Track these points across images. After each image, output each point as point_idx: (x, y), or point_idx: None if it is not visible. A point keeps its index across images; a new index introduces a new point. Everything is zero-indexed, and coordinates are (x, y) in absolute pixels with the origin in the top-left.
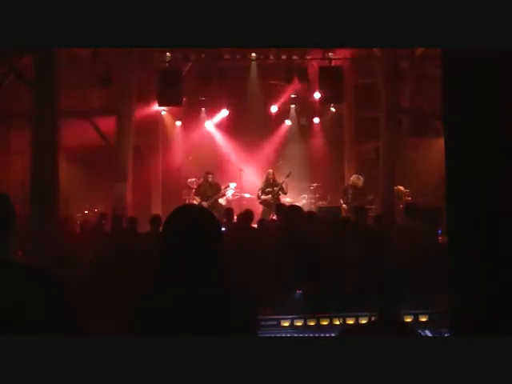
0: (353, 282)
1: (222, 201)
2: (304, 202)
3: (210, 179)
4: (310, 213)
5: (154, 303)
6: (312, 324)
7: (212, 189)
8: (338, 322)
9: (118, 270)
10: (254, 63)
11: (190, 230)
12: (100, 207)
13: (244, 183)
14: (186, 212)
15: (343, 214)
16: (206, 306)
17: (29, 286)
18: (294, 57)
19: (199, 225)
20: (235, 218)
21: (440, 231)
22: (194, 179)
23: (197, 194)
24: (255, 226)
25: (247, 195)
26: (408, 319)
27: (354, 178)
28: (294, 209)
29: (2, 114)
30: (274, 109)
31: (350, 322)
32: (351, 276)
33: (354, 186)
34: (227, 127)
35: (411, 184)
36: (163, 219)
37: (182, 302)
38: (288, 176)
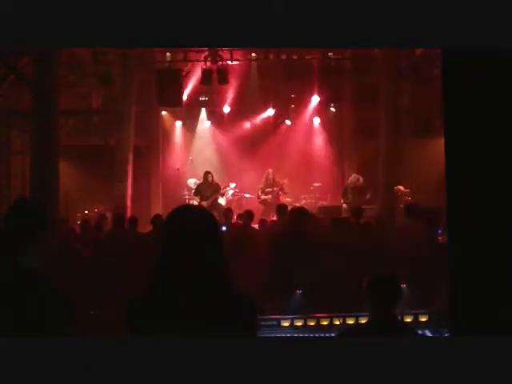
0: (352, 282)
1: (221, 201)
2: (304, 201)
3: (209, 179)
4: (313, 216)
5: (153, 304)
6: (312, 324)
7: (211, 188)
8: (338, 322)
9: (118, 270)
10: (253, 63)
11: (189, 231)
12: (100, 207)
13: (244, 183)
14: (184, 212)
15: (343, 214)
16: (206, 306)
17: (32, 292)
18: (294, 57)
19: (198, 225)
20: (235, 217)
21: (440, 231)
22: (194, 180)
23: (196, 193)
24: (255, 226)
25: (247, 195)
26: (408, 319)
27: (353, 177)
28: (299, 211)
29: (2, 113)
30: (273, 109)
31: (350, 322)
32: (351, 276)
33: (354, 186)
34: (227, 127)
35: (411, 184)
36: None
37: (182, 302)
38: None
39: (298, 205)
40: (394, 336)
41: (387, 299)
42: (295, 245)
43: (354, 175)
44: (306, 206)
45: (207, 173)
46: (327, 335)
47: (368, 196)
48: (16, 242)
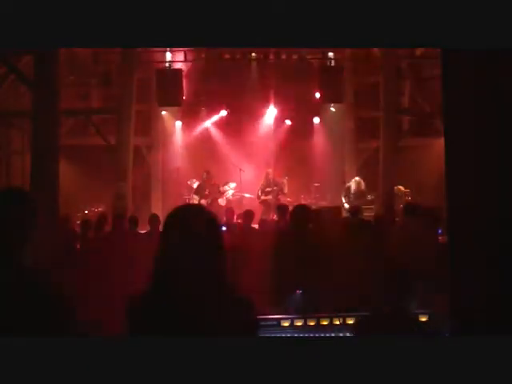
0: (353, 282)
1: (221, 201)
2: (304, 202)
3: (208, 178)
4: (316, 211)
5: (153, 303)
6: (312, 324)
7: (210, 188)
8: (338, 322)
9: (118, 269)
10: (254, 63)
11: (190, 230)
12: (100, 207)
13: (244, 183)
14: (185, 211)
15: (344, 215)
16: (206, 306)
17: (32, 292)
18: (294, 57)
19: (199, 224)
20: (235, 217)
21: (440, 231)
22: (194, 180)
23: (196, 193)
24: (255, 226)
25: (247, 195)
26: None
27: (355, 180)
28: (301, 209)
29: (2, 113)
30: (273, 109)
31: (350, 322)
32: (351, 275)
33: (356, 186)
34: (227, 127)
35: (411, 184)
36: (162, 218)
37: (182, 302)
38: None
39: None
40: (395, 334)
41: (399, 293)
42: (297, 244)
43: (355, 179)
44: None
45: (206, 172)
46: (327, 335)
47: (370, 197)
48: (16, 240)
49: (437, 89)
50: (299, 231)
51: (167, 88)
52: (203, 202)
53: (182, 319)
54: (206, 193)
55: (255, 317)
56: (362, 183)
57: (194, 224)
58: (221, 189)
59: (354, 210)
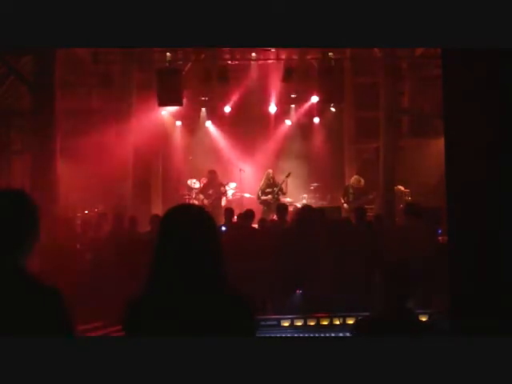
0: (353, 282)
1: (222, 201)
2: (304, 202)
3: (213, 178)
4: (319, 210)
5: (151, 304)
6: (312, 324)
7: (215, 187)
8: (338, 322)
9: (118, 269)
10: (253, 63)
11: (186, 230)
12: (100, 207)
13: (244, 183)
14: (181, 211)
15: (344, 214)
16: (203, 306)
17: (31, 292)
18: (294, 57)
19: (195, 224)
20: (235, 217)
21: (440, 231)
22: (194, 180)
23: (201, 192)
24: (255, 225)
25: (247, 195)
26: None
27: (355, 177)
28: (307, 210)
29: (2, 113)
30: (273, 109)
31: (350, 321)
32: (352, 276)
33: (356, 186)
34: (227, 127)
35: (411, 184)
36: None
37: (179, 302)
38: (287, 176)
39: (304, 202)
40: (395, 334)
41: (400, 288)
42: (301, 244)
43: (355, 177)
44: None
45: (210, 172)
46: (327, 335)
47: (371, 197)
48: (15, 240)
49: (437, 89)
50: (304, 231)
51: (167, 88)
52: (206, 202)
53: (180, 321)
54: (210, 192)
55: (252, 317)
56: (362, 180)
57: (190, 223)
58: (223, 189)
59: (359, 212)
